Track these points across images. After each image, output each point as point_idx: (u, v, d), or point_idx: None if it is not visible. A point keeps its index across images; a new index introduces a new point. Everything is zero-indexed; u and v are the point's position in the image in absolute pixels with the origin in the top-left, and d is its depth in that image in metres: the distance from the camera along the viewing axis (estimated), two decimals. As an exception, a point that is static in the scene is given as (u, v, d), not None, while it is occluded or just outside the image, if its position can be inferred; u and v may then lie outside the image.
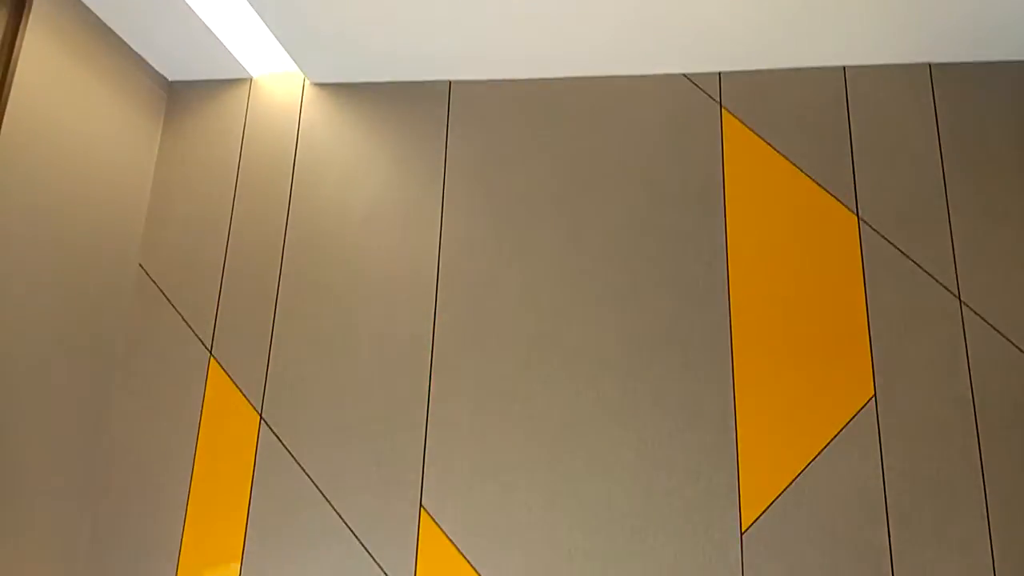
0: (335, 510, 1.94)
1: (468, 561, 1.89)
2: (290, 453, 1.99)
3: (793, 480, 1.87)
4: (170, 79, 2.31)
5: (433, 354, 2.01)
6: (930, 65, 2.08)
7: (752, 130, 2.10)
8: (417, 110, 2.20)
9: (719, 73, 2.14)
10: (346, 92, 2.26)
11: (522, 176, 2.14)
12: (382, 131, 2.22)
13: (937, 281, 1.95)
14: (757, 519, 1.86)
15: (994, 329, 1.90)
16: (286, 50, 2.11)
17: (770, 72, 2.12)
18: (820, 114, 2.09)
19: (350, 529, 1.93)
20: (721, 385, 1.94)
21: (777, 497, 1.86)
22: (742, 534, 1.85)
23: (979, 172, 2.00)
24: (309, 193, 2.20)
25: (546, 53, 2.09)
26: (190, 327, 2.11)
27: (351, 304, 2.08)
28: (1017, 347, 1.89)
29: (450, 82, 2.22)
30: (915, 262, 1.96)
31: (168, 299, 2.14)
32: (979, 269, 1.94)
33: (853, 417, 1.89)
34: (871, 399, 1.90)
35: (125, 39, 2.11)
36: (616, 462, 1.92)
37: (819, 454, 1.88)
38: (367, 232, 2.14)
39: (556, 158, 2.14)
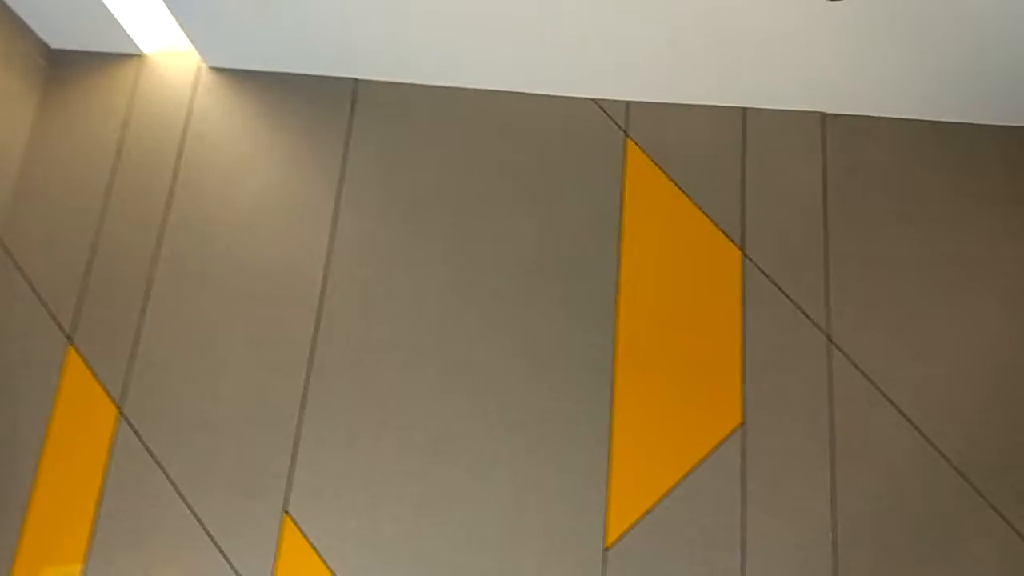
0: (192, 512, 1.88)
1: (331, 570, 1.86)
2: (148, 450, 1.92)
3: (659, 500, 1.94)
4: (52, 46, 2.20)
5: (312, 357, 1.98)
6: (823, 115, 2.21)
7: (653, 160, 2.18)
8: (319, 106, 2.18)
9: (627, 102, 2.21)
10: (244, 79, 2.21)
11: (422, 184, 2.14)
12: (279, 124, 2.18)
13: (810, 319, 2.06)
14: (621, 537, 1.91)
15: (858, 369, 2.03)
16: (182, 28, 2.05)
17: (676, 106, 2.21)
18: (718, 151, 2.19)
19: (207, 532, 1.87)
20: (600, 406, 1.99)
21: (642, 516, 1.93)
22: (605, 551, 1.90)
23: (859, 221, 2.14)
24: (195, 180, 2.13)
25: (458, 62, 2.11)
26: (48, 310, 2.01)
27: (230, 298, 2.03)
28: (878, 387, 2.02)
29: (356, 80, 2.20)
30: (791, 300, 2.08)
31: (27, 278, 2.03)
32: (850, 312, 2.07)
33: (722, 443, 1.98)
34: (740, 427, 1.99)
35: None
36: (488, 477, 1.94)
37: (686, 476, 1.96)
38: (254, 226, 2.10)
39: (458, 168, 2.15)
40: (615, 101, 2.21)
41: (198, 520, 1.87)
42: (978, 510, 1.96)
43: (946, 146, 2.19)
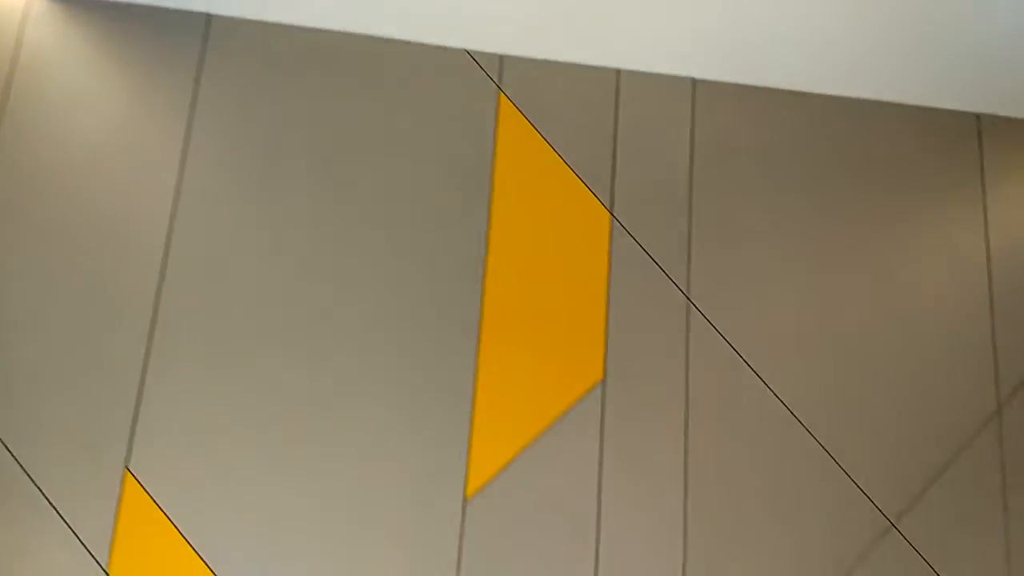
0: (21, 466, 1.77)
1: (176, 528, 1.80)
2: (-32, 402, 1.79)
3: (520, 453, 1.98)
4: None
5: (158, 309, 1.89)
6: (693, 80, 2.28)
7: (526, 116, 2.19)
8: (167, 41, 2.06)
9: (501, 56, 2.20)
10: (83, 7, 2.06)
11: (281, 130, 2.07)
12: (122, 58, 2.05)
13: (672, 280, 2.14)
14: (482, 488, 1.94)
15: (715, 329, 2.13)
16: (16, -56, 1.89)
17: (550, 63, 2.22)
18: (591, 111, 2.22)
19: (40, 489, 1.77)
20: (464, 359, 2.01)
21: (504, 468, 1.96)
22: (466, 501, 1.93)
23: (724, 186, 2.22)
24: (26, 115, 1.98)
25: (323, 1, 2.04)
26: None
27: (68, 243, 1.91)
28: (733, 348, 2.12)
29: (209, 15, 2.09)
30: (655, 261, 2.14)
31: None
32: (710, 275, 2.16)
33: (582, 397, 2.04)
34: (600, 382, 2.05)
35: None
36: (346, 430, 1.93)
37: (547, 429, 2.01)
38: (93, 168, 1.97)
39: (321, 115, 2.09)
40: (489, 54, 2.20)
41: (29, 477, 1.77)
42: (824, 467, 2.11)
43: (817, 119, 2.31)
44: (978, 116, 2.39)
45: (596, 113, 2.22)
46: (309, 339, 1.96)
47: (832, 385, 2.18)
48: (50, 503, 1.77)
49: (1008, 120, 2.41)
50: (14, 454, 1.78)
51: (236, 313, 1.94)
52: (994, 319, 2.28)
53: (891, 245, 2.29)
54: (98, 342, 1.87)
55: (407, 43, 2.17)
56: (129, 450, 1.82)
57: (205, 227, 1.98)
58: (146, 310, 1.90)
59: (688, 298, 2.14)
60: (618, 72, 2.25)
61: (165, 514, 1.81)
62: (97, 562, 1.76)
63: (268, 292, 1.97)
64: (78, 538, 1.76)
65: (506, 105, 2.19)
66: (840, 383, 2.18)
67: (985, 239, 2.32)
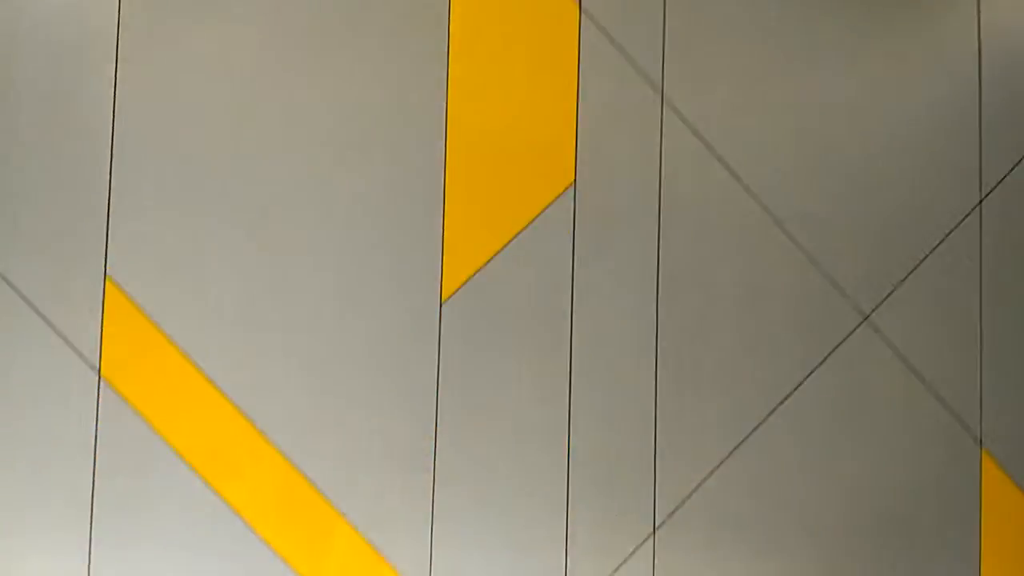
0: (7, 281, 1.85)
1: (161, 330, 1.90)
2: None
3: (493, 256, 2.03)
4: None
5: (115, 112, 1.90)
6: None
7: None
8: None
9: None
10: None
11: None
12: None
13: (644, 77, 2.09)
14: (456, 291, 2.01)
15: (689, 128, 2.11)
16: None
17: None
18: None
19: (25, 299, 1.85)
20: (433, 165, 2.02)
21: (477, 271, 2.02)
22: (441, 304, 2.00)
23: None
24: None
25: None
26: None
27: (8, 51, 1.88)
28: (708, 146, 2.11)
29: None
30: (627, 56, 2.09)
31: None
32: (685, 71, 2.12)
33: (553, 201, 2.06)
34: (571, 186, 2.06)
35: None
36: (320, 236, 1.98)
37: (518, 234, 2.05)
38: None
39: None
40: None
41: (14, 288, 1.85)
42: (797, 264, 2.14)
43: None
44: None
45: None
46: (276, 139, 1.96)
47: (809, 183, 2.17)
48: (40, 314, 1.86)
49: None
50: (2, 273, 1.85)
51: (199, 116, 1.94)
52: (981, 114, 2.23)
53: (879, 43, 2.21)
54: (62, 157, 1.89)
55: None
56: (107, 258, 1.89)
57: (157, 20, 1.93)
58: (105, 120, 1.90)
59: (662, 96, 2.10)
60: None
61: (148, 317, 1.90)
62: (89, 366, 1.87)
63: (233, 94, 1.95)
64: (70, 345, 1.87)
65: None
66: (817, 181, 2.18)
67: (977, 39, 2.23)
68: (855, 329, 2.15)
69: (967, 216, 2.21)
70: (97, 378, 1.87)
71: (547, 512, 2.01)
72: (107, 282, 1.89)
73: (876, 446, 2.14)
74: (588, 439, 2.03)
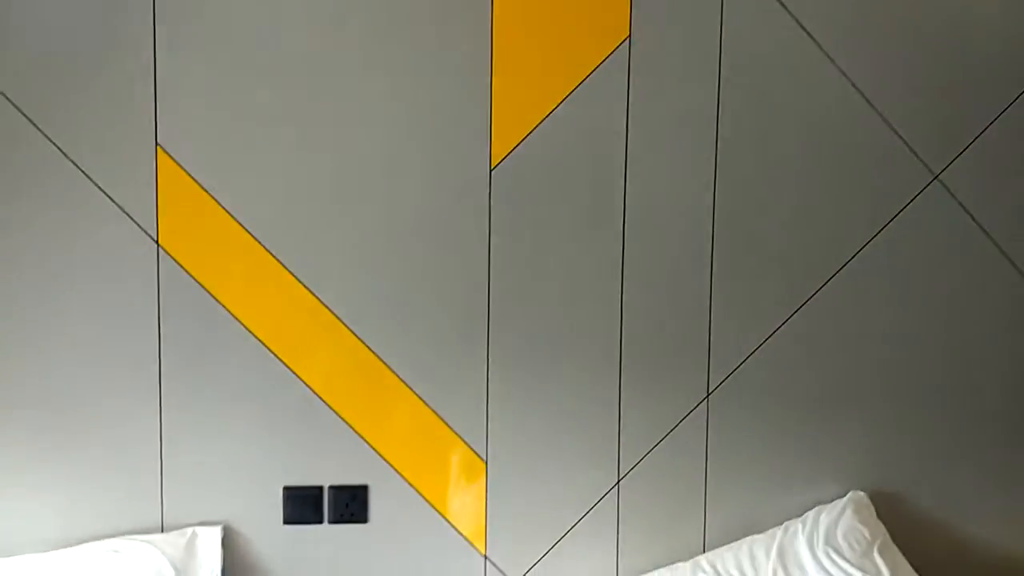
0: (60, 150, 1.88)
1: (214, 198, 1.92)
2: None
3: (542, 119, 1.98)
4: None
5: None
6: None
7: None
8: None
9: None
10: None
11: None
12: None
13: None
14: (506, 157, 1.98)
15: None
16: None
17: None
18: None
19: (80, 168, 1.88)
20: (479, 25, 1.94)
21: (526, 136, 1.98)
22: (491, 171, 1.98)
23: None
24: None
25: None
26: None
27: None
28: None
29: None
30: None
31: None
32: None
33: (607, 57, 1.98)
34: (625, 39, 1.98)
35: None
36: (368, 104, 1.95)
37: (570, 94, 1.99)
38: None
39: None
40: None
41: (69, 159, 1.88)
42: (865, 119, 2.04)
43: None
44: None
45: None
46: (321, 18, 1.91)
47: (879, 38, 2.04)
48: (95, 184, 1.89)
49: None
50: (52, 139, 1.87)
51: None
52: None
53: None
54: (105, 34, 1.87)
55: None
56: (156, 127, 1.90)
57: None
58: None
59: (722, -61, 1.97)
60: None
61: (201, 186, 1.92)
62: (147, 234, 1.91)
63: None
64: (126, 213, 1.90)
65: None
66: (889, 36, 2.05)
67: None
68: (924, 188, 2.07)
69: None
70: (156, 247, 1.92)
71: (600, 377, 2.03)
72: (159, 152, 1.90)
73: (943, 309, 2.10)
74: (641, 304, 2.03)
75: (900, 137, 2.06)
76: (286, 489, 1.98)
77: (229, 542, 1.97)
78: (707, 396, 2.05)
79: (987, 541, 2.15)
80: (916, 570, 1.94)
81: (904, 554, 1.98)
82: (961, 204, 2.09)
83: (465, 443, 2.02)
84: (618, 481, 2.04)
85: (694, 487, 2.06)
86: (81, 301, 1.93)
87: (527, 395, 2.03)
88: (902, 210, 2.07)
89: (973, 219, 2.10)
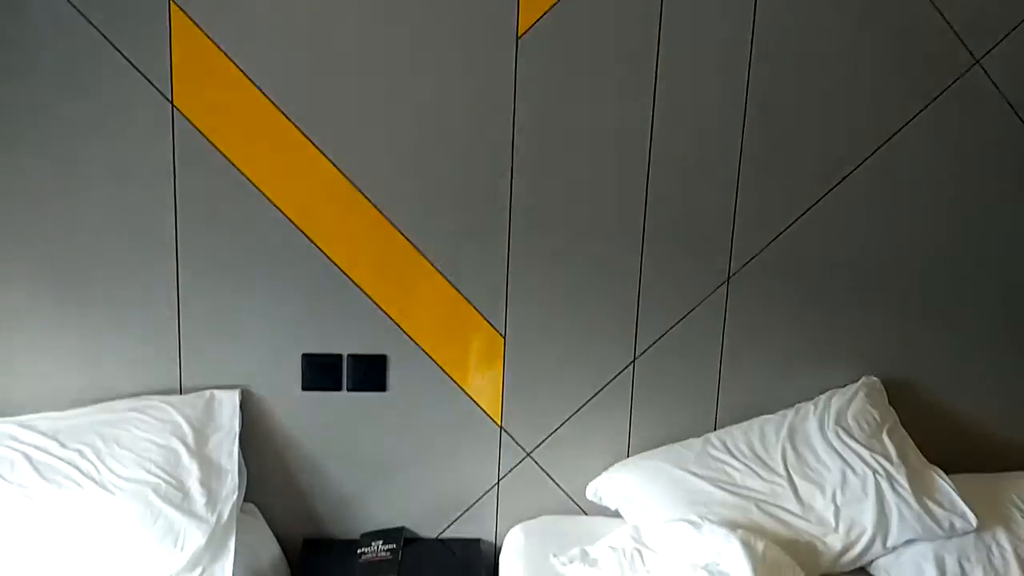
0: (74, 6, 1.81)
1: (234, 62, 1.87)
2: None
3: (570, -15, 1.91)
4: None
5: None
6: None
7: None
8: None
9: None
10: None
11: None
12: None
13: None
14: (533, 25, 1.92)
15: None
16: None
17: None
18: None
19: (96, 29, 1.82)
20: None
21: (554, 4, 1.91)
22: (517, 39, 1.92)
23: None
24: None
25: None
26: None
27: None
28: None
29: None
30: None
31: None
32: None
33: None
34: (662, -102, 1.89)
35: None
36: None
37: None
38: None
39: None
40: None
41: (80, 13, 1.81)
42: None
43: None
44: None
45: None
46: None
47: None
48: (114, 46, 1.83)
49: None
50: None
51: None
52: None
53: None
54: None
55: None
56: (169, -18, 1.83)
57: None
58: None
59: None
60: None
61: (218, 47, 1.86)
62: (161, 94, 1.87)
63: None
64: (140, 72, 1.85)
65: None
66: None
67: None
68: (965, 73, 2.02)
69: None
70: (171, 108, 1.88)
71: (622, 256, 2.03)
72: (171, 7, 1.84)
73: (972, 199, 2.08)
74: (667, 185, 2.01)
75: (944, 18, 1.99)
76: (305, 356, 2.01)
77: (248, 406, 2.01)
78: (728, 279, 2.06)
79: (990, 429, 2.21)
80: (923, 454, 2.00)
81: (912, 438, 2.03)
82: (1000, 90, 2.05)
83: (484, 318, 2.03)
84: (634, 359, 2.07)
85: (709, 368, 2.10)
86: (97, 161, 1.90)
87: (548, 272, 2.03)
88: (940, 95, 2.03)
89: (1010, 105, 2.06)
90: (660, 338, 2.07)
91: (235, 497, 1.86)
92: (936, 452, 2.04)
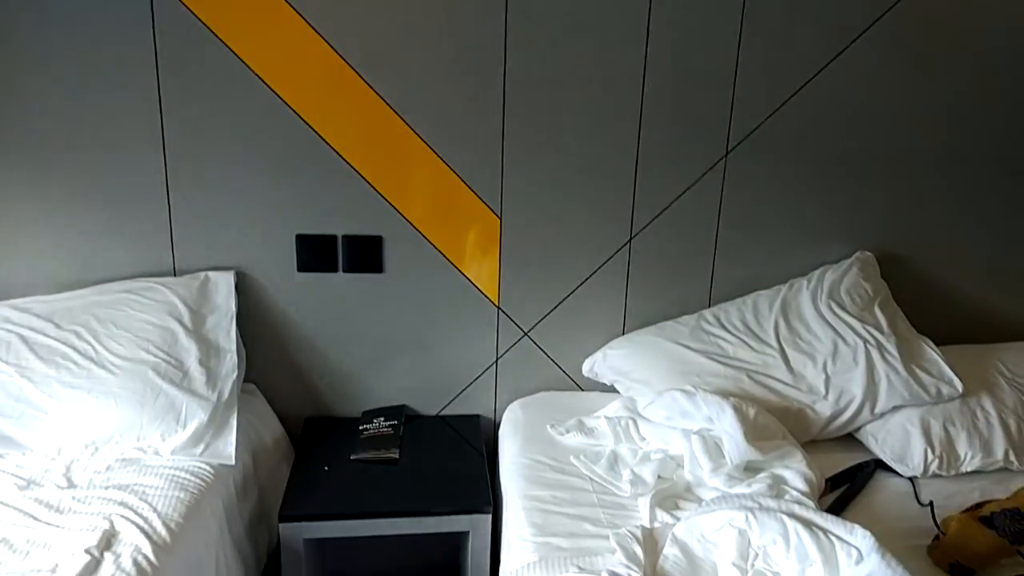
0: None
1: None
2: None
3: None
4: None
5: None
6: None
7: None
8: None
9: None
10: None
11: None
12: None
13: None
14: None
15: None
16: None
17: None
18: None
19: None
20: None
21: None
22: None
23: None
24: None
25: None
26: None
27: None
28: None
29: None
30: None
31: None
32: None
33: None
34: None
35: None
36: None
37: None
38: None
39: None
40: None
41: None
42: None
43: None
44: None
45: None
46: None
47: None
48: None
49: None
50: None
51: None
52: None
53: None
54: None
55: None
56: None
57: None
58: None
59: None
60: None
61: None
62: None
63: None
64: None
65: None
66: None
67: None
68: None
69: None
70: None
71: (620, 133, 2.00)
72: None
73: (967, 75, 2.06)
74: (666, 61, 1.96)
75: None
76: (299, 237, 2.00)
77: (244, 288, 2.02)
78: (725, 156, 2.04)
79: (977, 302, 2.26)
80: (913, 326, 2.05)
81: (903, 310, 2.07)
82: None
83: (480, 199, 2.02)
84: (631, 238, 2.08)
85: (704, 246, 2.11)
86: (74, 36, 1.82)
87: (544, 152, 2.00)
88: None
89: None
90: (657, 216, 2.07)
91: (235, 376, 1.89)
92: (926, 324, 2.09)
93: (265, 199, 1.97)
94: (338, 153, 1.95)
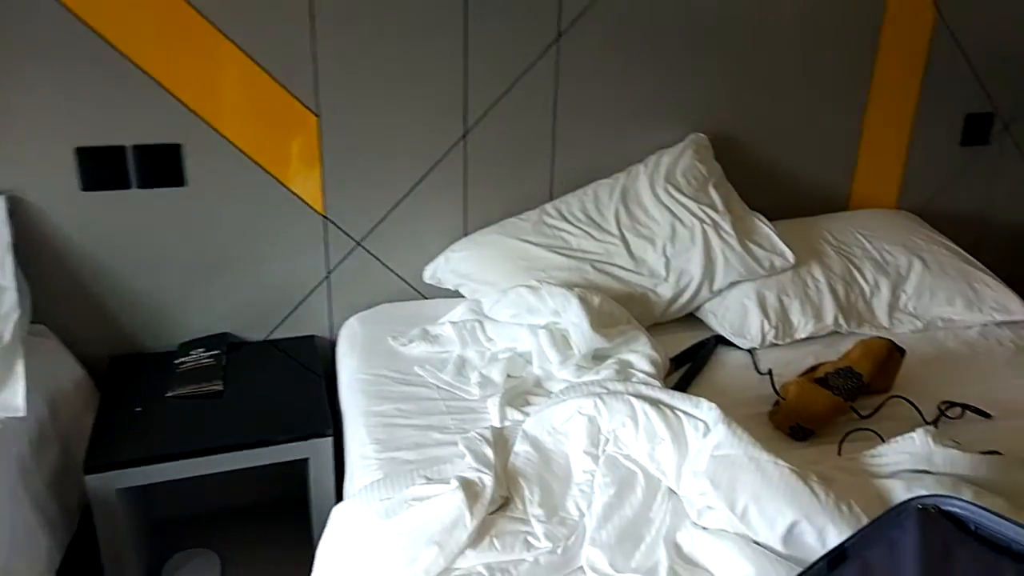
0: None
1: None
2: None
3: None
4: None
5: None
6: None
7: None
8: None
9: None
10: None
11: None
12: None
13: None
14: None
15: None
16: None
17: None
18: None
19: None
20: None
21: None
22: None
23: None
24: None
25: None
26: None
27: None
28: None
29: None
30: None
31: None
32: None
33: None
34: None
35: None
36: None
37: None
38: None
39: None
40: None
41: None
42: None
43: None
44: None
45: None
46: None
47: None
48: None
49: None
50: None
51: None
52: None
53: None
54: None
55: None
56: None
57: None
58: None
59: None
60: None
61: None
62: None
63: None
64: None
65: None
66: None
67: None
68: None
69: None
70: None
71: (444, 20, 1.84)
72: None
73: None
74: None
75: None
76: (79, 151, 1.71)
77: (20, 214, 1.71)
78: (557, 38, 1.93)
79: (805, 176, 2.31)
80: (746, 203, 2.07)
81: (736, 190, 2.09)
82: None
83: (291, 94, 1.80)
84: (465, 133, 1.94)
85: (542, 136, 2.01)
86: None
87: (362, 39, 1.80)
88: None
89: None
90: (491, 108, 1.94)
91: (16, 316, 1.62)
92: (758, 200, 2.11)
93: (34, 108, 1.66)
94: (118, 50, 1.66)
